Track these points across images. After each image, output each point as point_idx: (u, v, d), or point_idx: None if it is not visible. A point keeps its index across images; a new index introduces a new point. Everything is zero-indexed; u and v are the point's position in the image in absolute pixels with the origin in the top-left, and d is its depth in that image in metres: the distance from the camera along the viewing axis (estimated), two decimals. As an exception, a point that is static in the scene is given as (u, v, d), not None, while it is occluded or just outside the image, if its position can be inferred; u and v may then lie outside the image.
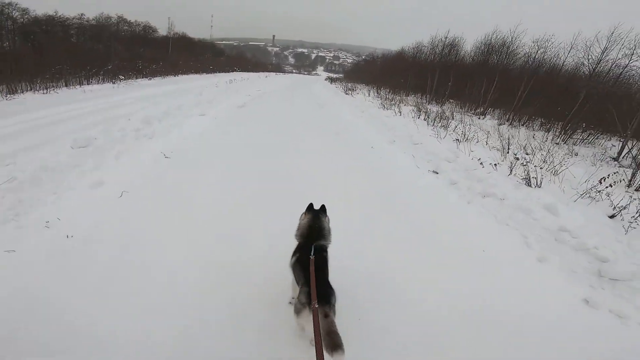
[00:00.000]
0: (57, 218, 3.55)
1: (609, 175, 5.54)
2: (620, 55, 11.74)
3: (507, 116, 14.64)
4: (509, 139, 8.40)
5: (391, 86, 23.96)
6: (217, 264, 3.06)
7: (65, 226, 3.43)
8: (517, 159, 6.11)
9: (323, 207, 2.57)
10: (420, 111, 12.43)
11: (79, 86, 15.65)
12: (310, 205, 2.57)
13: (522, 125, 13.69)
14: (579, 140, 11.51)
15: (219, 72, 39.89)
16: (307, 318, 1.91)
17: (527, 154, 7.46)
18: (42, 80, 13.94)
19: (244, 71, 48.77)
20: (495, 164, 6.06)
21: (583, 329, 2.75)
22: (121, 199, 4.17)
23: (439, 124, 10.37)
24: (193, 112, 10.10)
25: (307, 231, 2.41)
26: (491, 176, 5.65)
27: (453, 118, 12.37)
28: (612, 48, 11.92)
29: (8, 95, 11.76)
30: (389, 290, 2.94)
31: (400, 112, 12.66)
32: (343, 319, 2.07)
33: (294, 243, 2.48)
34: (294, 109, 13.63)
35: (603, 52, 12.26)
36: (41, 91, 13.22)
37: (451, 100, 19.50)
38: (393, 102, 15.92)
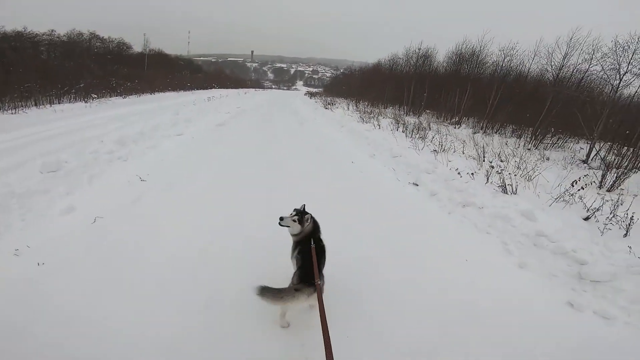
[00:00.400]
0: (27, 246, 3.41)
1: (580, 178, 5.68)
2: (580, 60, 12.21)
3: (481, 124, 15.07)
4: (483, 147, 8.65)
5: (369, 99, 24.39)
6: (194, 293, 2.97)
7: (35, 254, 3.31)
8: (492, 167, 6.28)
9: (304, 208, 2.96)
10: (398, 123, 12.66)
11: (49, 105, 15.01)
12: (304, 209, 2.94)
13: (496, 132, 14.11)
14: (549, 144, 11.90)
15: (197, 89, 39.54)
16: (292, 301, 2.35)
17: (501, 161, 7.69)
18: (11, 99, 13.31)
19: (223, 88, 48.61)
20: (472, 173, 6.19)
21: (570, 332, 2.79)
22: (94, 225, 4.02)
23: (417, 136, 10.57)
24: (170, 132, 9.89)
25: (312, 227, 2.86)
26: (469, 185, 5.76)
27: (430, 129, 12.66)
28: (572, 53, 12.34)
29: (-28, 117, 11.17)
30: (366, 307, 2.91)
31: (379, 125, 12.85)
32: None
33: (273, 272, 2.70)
34: (274, 127, 13.61)
35: (564, 58, 12.67)
36: (9, 111, 12.60)
37: (427, 111, 20.00)
38: (372, 115, 16.18)
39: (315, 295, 2.29)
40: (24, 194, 4.42)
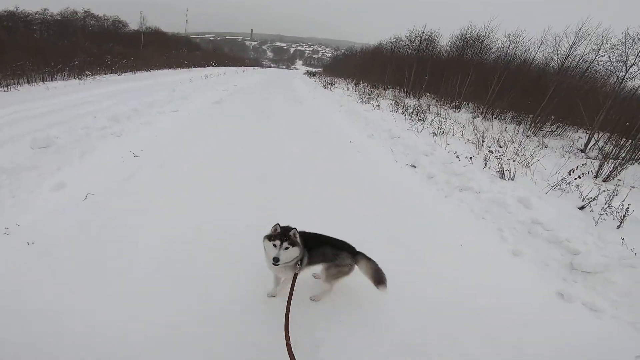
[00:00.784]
0: (17, 224, 3.32)
1: (577, 167, 5.67)
2: (587, 51, 12.09)
3: (481, 109, 14.95)
4: (483, 132, 8.56)
5: (369, 80, 23.99)
6: (189, 267, 2.96)
7: (25, 232, 3.23)
8: (492, 152, 6.22)
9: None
10: (398, 105, 12.48)
11: (42, 83, 14.66)
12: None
13: (495, 118, 14.00)
14: (548, 132, 11.86)
15: (195, 67, 38.69)
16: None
17: (500, 146, 7.63)
18: (3, 77, 12.99)
19: (221, 66, 47.55)
20: (470, 157, 6.14)
21: (558, 323, 2.79)
22: (85, 202, 3.93)
23: (416, 118, 10.45)
24: (165, 109, 9.66)
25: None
26: (467, 169, 5.71)
27: (430, 111, 12.51)
28: (580, 43, 12.26)
29: (-37, 94, 10.89)
30: (364, 289, 2.87)
31: (379, 106, 12.68)
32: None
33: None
34: (272, 105, 13.36)
35: (571, 48, 12.60)
36: (1, 89, 12.29)
37: (427, 94, 19.74)
38: (371, 96, 15.94)
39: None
40: (13, 169, 4.31)
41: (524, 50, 15.81)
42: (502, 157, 5.86)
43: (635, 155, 8.65)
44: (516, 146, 7.53)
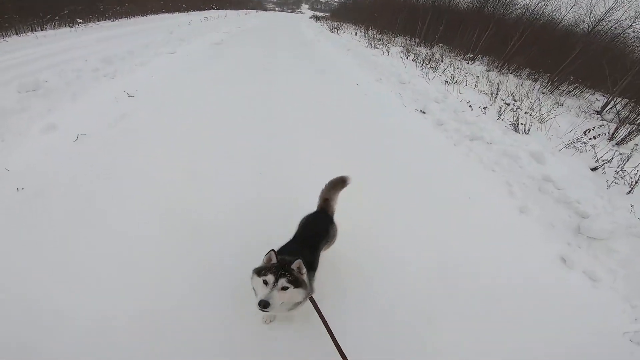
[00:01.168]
0: (6, 169, 3.09)
1: (593, 127, 5.46)
2: (624, 17, 11.45)
3: (497, 63, 14.15)
4: (498, 84, 8.01)
5: (379, 27, 22.41)
6: (181, 218, 2.75)
7: (14, 177, 2.99)
8: (507, 104, 5.80)
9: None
10: (409, 52, 11.65)
11: (30, 33, 13.23)
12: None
13: (511, 73, 13.28)
14: (564, 92, 11.32)
15: (194, 10, 35.94)
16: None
17: (514, 100, 7.17)
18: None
19: (222, 9, 44.23)
20: (484, 108, 5.75)
21: (556, 290, 2.60)
22: (77, 143, 3.67)
23: (428, 65, 9.77)
24: (162, 50, 8.96)
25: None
26: (480, 119, 5.34)
27: (442, 61, 11.73)
28: (618, 9, 11.59)
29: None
30: (369, 239, 2.71)
31: (389, 52, 11.83)
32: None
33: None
34: (275, 47, 12.36)
35: (607, 12, 11.90)
36: (-14, 41, 11.12)
37: (440, 45, 18.55)
38: (381, 42, 14.88)
39: None
40: (0, 113, 3.99)
41: (553, 9, 14.94)
42: (518, 110, 5.45)
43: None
44: (532, 101, 7.07)
